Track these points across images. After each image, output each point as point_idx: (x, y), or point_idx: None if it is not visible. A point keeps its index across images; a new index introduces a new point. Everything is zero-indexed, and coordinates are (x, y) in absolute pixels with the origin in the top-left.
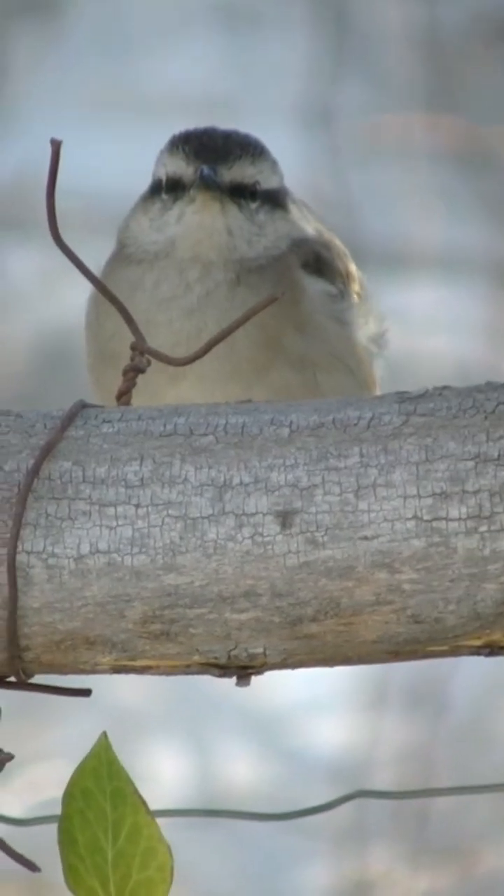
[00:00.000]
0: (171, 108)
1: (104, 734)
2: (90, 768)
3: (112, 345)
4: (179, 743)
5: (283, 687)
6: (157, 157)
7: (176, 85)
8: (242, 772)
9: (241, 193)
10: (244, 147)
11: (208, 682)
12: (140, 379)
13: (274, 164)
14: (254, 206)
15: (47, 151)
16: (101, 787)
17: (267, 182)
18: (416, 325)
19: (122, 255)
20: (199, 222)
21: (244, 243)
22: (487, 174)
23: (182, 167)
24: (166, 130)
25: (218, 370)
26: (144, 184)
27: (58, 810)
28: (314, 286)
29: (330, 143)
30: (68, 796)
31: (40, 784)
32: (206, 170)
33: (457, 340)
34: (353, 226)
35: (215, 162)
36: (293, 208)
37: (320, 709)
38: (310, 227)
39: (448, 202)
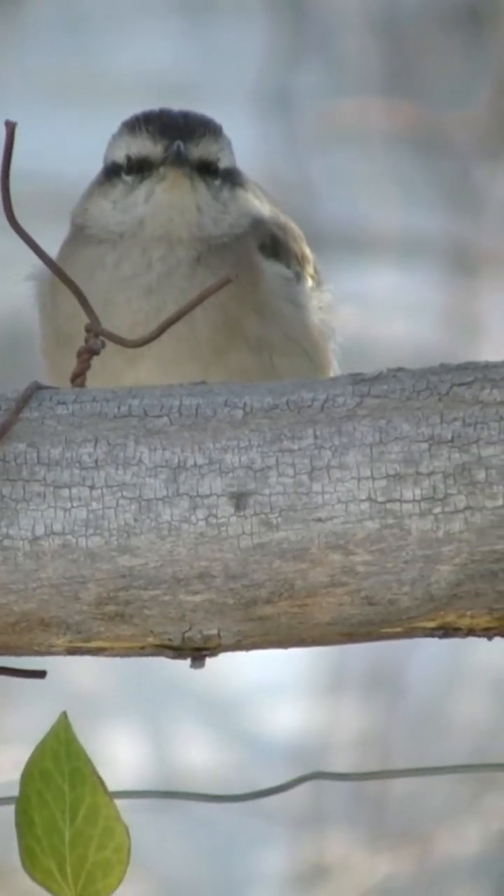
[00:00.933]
0: (129, 92)
1: (64, 714)
2: (49, 748)
3: (69, 326)
4: (136, 726)
5: (239, 670)
6: (110, 141)
7: (134, 69)
8: (199, 755)
9: (207, 171)
10: (205, 125)
11: (165, 665)
12: (98, 361)
13: (229, 143)
14: (217, 183)
15: (2, 136)
16: (59, 767)
17: (226, 160)
18: (373, 309)
19: (80, 237)
20: (170, 201)
21: (211, 221)
22: (444, 159)
23: (149, 146)
24: (124, 115)
25: (176, 351)
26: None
27: (14, 793)
28: (271, 269)
29: (288, 127)
30: (26, 776)
31: None
32: (180, 146)
33: (414, 324)
34: (310, 210)
35: (182, 139)
36: (249, 188)
37: (277, 692)
38: (265, 209)
39: (405, 187)
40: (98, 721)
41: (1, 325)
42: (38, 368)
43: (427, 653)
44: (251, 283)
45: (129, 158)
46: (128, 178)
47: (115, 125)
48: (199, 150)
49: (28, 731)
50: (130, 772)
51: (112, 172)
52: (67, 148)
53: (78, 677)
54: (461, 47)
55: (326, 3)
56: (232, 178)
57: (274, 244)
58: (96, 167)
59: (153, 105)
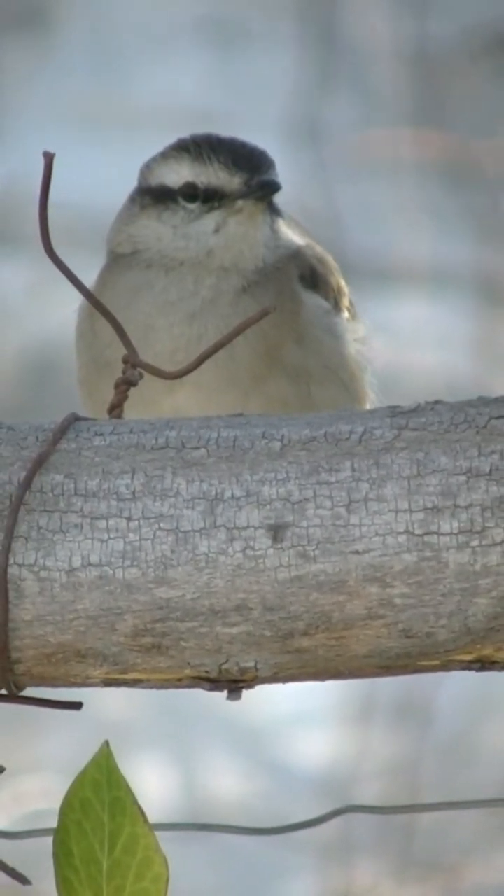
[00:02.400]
0: (160, 121)
1: (106, 743)
2: (90, 778)
3: (108, 353)
4: (166, 756)
5: (269, 700)
6: (153, 163)
7: (165, 99)
8: (228, 785)
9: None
10: (266, 157)
11: (195, 694)
12: (136, 388)
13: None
14: (272, 215)
15: (36, 165)
16: (99, 797)
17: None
18: (403, 340)
19: (121, 262)
20: (244, 234)
21: (269, 253)
22: (475, 189)
23: (223, 177)
24: (155, 144)
25: (216, 379)
26: None
27: (44, 822)
28: (310, 300)
29: (318, 157)
30: (66, 807)
31: (26, 796)
32: (267, 182)
33: (444, 355)
34: (340, 240)
35: (258, 172)
36: (285, 218)
37: (306, 722)
38: (300, 240)
39: (436, 217)
40: (128, 750)
41: (36, 355)
42: (71, 396)
43: (456, 683)
44: (292, 312)
45: (192, 186)
46: (190, 206)
47: (144, 153)
48: (269, 182)
49: (57, 760)
50: (160, 801)
51: (164, 196)
52: (96, 177)
53: (108, 706)
54: (492, 77)
55: (357, 32)
56: (276, 207)
57: (313, 276)
58: (126, 196)
59: (183, 133)
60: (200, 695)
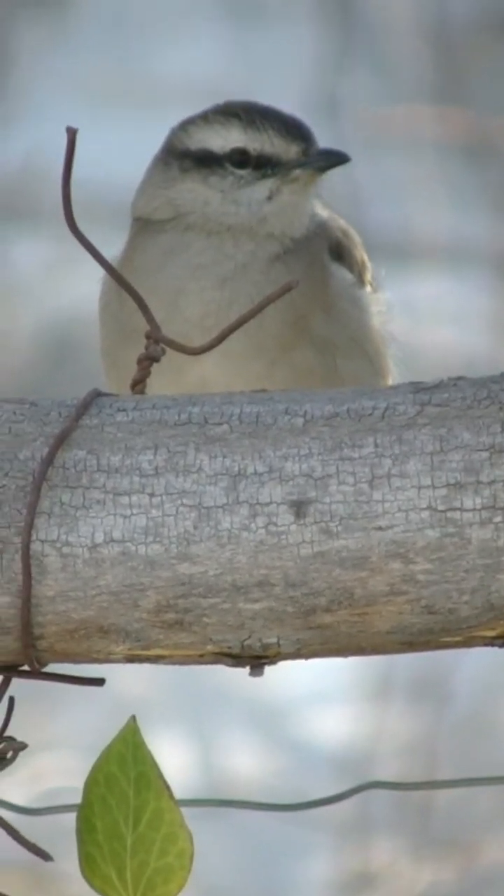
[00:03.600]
0: (178, 98)
1: (133, 718)
2: (116, 752)
3: (135, 320)
4: (183, 733)
5: (287, 678)
6: (194, 128)
7: (182, 75)
8: (246, 762)
9: None
10: (309, 128)
11: (213, 672)
12: (164, 358)
13: None
14: None
15: (53, 142)
16: (125, 771)
17: None
18: (421, 316)
19: (150, 227)
20: (296, 203)
21: (308, 221)
22: (494, 166)
23: (279, 145)
24: (173, 119)
25: (244, 347)
26: None
27: (61, 800)
28: (338, 271)
29: (337, 133)
30: (91, 782)
31: (43, 773)
32: (336, 150)
33: (462, 331)
34: (359, 216)
35: (312, 142)
36: None
37: (324, 700)
38: (324, 212)
39: (454, 194)
40: (145, 728)
41: (54, 332)
42: (89, 372)
43: (474, 660)
44: (322, 283)
45: (242, 152)
46: (240, 171)
47: (162, 129)
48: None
49: (75, 737)
50: (178, 778)
51: (208, 160)
52: (114, 152)
53: (125, 684)
54: None
55: (375, 9)
56: None
57: (338, 248)
58: (143, 172)
59: (200, 109)
60: (218, 672)
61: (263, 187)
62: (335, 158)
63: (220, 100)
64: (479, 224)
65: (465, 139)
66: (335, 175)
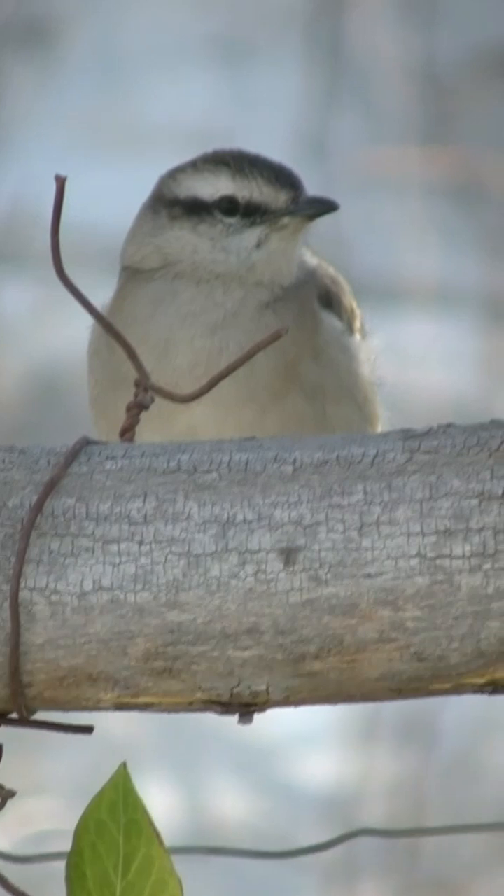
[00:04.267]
0: (166, 140)
1: (123, 764)
2: (107, 799)
3: (126, 369)
4: (170, 776)
5: (273, 721)
6: (184, 175)
7: (171, 117)
8: (233, 805)
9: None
10: (297, 175)
11: (199, 715)
12: (154, 404)
13: None
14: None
15: (41, 184)
16: (115, 818)
17: None
18: (410, 359)
19: (140, 276)
20: (284, 250)
21: (296, 269)
22: (482, 207)
23: (268, 193)
24: (162, 161)
25: (234, 395)
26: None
27: (49, 844)
28: (327, 318)
29: (325, 174)
30: (81, 828)
31: (31, 817)
32: (324, 198)
33: (452, 374)
34: (347, 258)
35: (301, 190)
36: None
37: (311, 743)
38: (313, 259)
39: (443, 235)
40: (132, 771)
41: (40, 375)
42: (75, 416)
43: (460, 703)
44: (311, 329)
45: (231, 199)
46: (229, 219)
47: (151, 171)
48: (304, 197)
49: (62, 782)
50: (163, 822)
51: (196, 208)
52: (102, 195)
53: (111, 728)
54: (499, 95)
55: (364, 49)
56: None
57: (328, 295)
58: (133, 214)
59: (189, 152)
60: (204, 716)
61: (252, 235)
62: (324, 206)
63: (208, 142)
64: (468, 265)
65: (453, 180)
66: (323, 216)
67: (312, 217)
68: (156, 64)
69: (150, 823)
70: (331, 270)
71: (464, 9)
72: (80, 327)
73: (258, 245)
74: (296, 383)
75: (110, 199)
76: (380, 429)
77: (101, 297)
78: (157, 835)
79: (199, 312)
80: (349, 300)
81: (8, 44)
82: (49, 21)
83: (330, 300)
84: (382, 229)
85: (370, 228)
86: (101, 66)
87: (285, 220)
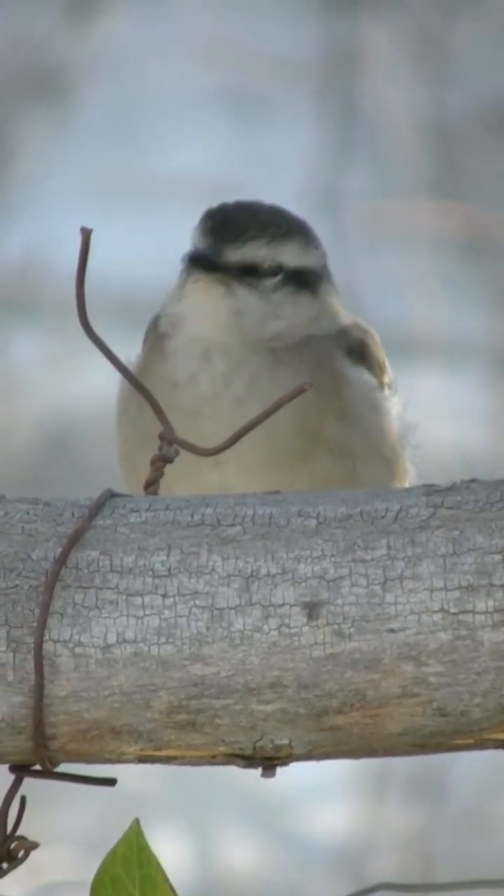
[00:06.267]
0: (180, 192)
1: (136, 821)
2: (121, 855)
3: (154, 430)
4: (182, 827)
5: (284, 772)
6: (193, 230)
7: (184, 170)
8: (243, 857)
9: (254, 273)
10: (267, 225)
11: (211, 767)
12: (185, 463)
13: (306, 243)
14: (270, 285)
15: (55, 234)
16: (130, 874)
17: (294, 261)
18: (420, 412)
19: (158, 342)
20: (196, 303)
21: (255, 324)
22: (492, 261)
23: (202, 243)
24: (174, 214)
25: (258, 458)
26: (152, 268)
27: (60, 894)
28: (358, 375)
29: (336, 228)
30: (97, 884)
31: (42, 868)
32: (209, 253)
33: (461, 428)
34: (357, 311)
35: (226, 241)
36: (330, 291)
37: (321, 795)
38: (345, 313)
39: (453, 289)
40: (143, 821)
41: (52, 426)
42: (87, 468)
43: (471, 757)
44: (333, 389)
45: (190, 253)
46: (184, 273)
47: (163, 224)
48: (242, 253)
49: (73, 832)
50: (174, 873)
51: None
52: (115, 248)
53: (122, 779)
54: None
55: (375, 103)
56: (301, 279)
57: (361, 348)
58: (145, 268)
59: (201, 206)
60: (216, 767)
61: (184, 287)
62: (190, 260)
63: (221, 195)
64: (478, 319)
65: (463, 234)
66: (333, 269)
67: (204, 270)
68: (169, 118)
69: (165, 878)
70: (363, 324)
71: (475, 65)
72: (93, 378)
73: (180, 299)
74: (320, 445)
75: (123, 252)
76: (407, 484)
77: (116, 349)
78: (172, 889)
79: (212, 394)
80: (380, 354)
81: (22, 97)
82: (63, 74)
83: (363, 353)
84: (392, 283)
85: (380, 282)
86: (114, 120)
87: (195, 273)
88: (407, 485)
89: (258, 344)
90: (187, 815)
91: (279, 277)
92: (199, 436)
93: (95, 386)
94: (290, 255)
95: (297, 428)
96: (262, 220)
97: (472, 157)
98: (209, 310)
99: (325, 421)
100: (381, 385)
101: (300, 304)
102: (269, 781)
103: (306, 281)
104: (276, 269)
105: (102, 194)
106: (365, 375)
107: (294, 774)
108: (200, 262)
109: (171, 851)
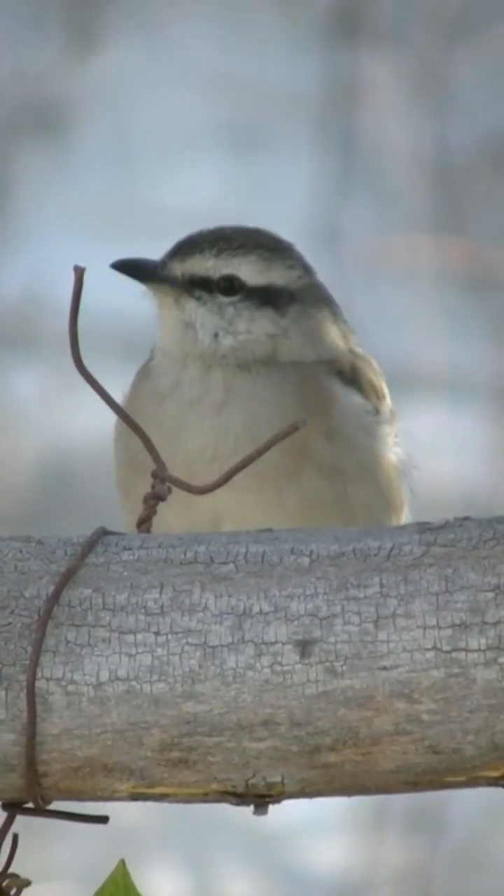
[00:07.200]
0: (178, 226)
1: (122, 861)
2: (107, 895)
3: (143, 456)
4: (179, 862)
5: (281, 807)
6: None
7: (183, 204)
8: (241, 892)
9: (206, 287)
10: (218, 240)
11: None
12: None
13: (270, 260)
14: (226, 300)
15: (53, 269)
16: None
17: (256, 278)
18: (420, 447)
19: (147, 366)
20: (157, 316)
21: (208, 337)
22: (493, 296)
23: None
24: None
25: (247, 477)
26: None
27: None
28: (347, 396)
29: (336, 262)
30: None
31: None
32: (156, 265)
33: (461, 463)
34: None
35: (175, 255)
36: (313, 315)
37: (319, 829)
38: (334, 336)
39: (453, 324)
40: (140, 857)
41: (51, 461)
42: (86, 503)
43: (468, 793)
44: (320, 407)
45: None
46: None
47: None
48: (186, 266)
49: (68, 868)
50: None
51: None
52: (114, 282)
53: (118, 814)
54: None
55: (375, 137)
56: (265, 296)
57: (353, 372)
58: (144, 302)
59: None
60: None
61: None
62: (152, 273)
63: None
64: (479, 355)
65: (463, 269)
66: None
67: (152, 283)
68: (168, 151)
69: None
70: (360, 351)
71: (475, 99)
72: (90, 414)
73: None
74: (308, 462)
75: (122, 286)
76: (404, 515)
77: (114, 383)
78: None
79: (196, 398)
80: (377, 381)
81: (21, 131)
82: (62, 108)
83: (355, 377)
84: (392, 317)
85: (380, 316)
86: (113, 154)
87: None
88: (404, 514)
89: (219, 357)
90: (184, 849)
91: (241, 294)
92: (183, 452)
93: (93, 421)
94: (248, 270)
95: (283, 445)
96: (216, 236)
97: (473, 191)
98: (164, 320)
99: (312, 437)
100: (377, 411)
101: (258, 319)
102: (267, 816)
103: (271, 299)
104: (229, 283)
105: (102, 228)
106: (356, 398)
107: (292, 809)
108: (154, 278)
109: (168, 887)
